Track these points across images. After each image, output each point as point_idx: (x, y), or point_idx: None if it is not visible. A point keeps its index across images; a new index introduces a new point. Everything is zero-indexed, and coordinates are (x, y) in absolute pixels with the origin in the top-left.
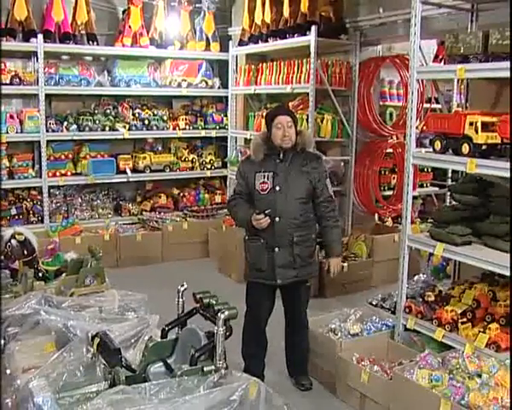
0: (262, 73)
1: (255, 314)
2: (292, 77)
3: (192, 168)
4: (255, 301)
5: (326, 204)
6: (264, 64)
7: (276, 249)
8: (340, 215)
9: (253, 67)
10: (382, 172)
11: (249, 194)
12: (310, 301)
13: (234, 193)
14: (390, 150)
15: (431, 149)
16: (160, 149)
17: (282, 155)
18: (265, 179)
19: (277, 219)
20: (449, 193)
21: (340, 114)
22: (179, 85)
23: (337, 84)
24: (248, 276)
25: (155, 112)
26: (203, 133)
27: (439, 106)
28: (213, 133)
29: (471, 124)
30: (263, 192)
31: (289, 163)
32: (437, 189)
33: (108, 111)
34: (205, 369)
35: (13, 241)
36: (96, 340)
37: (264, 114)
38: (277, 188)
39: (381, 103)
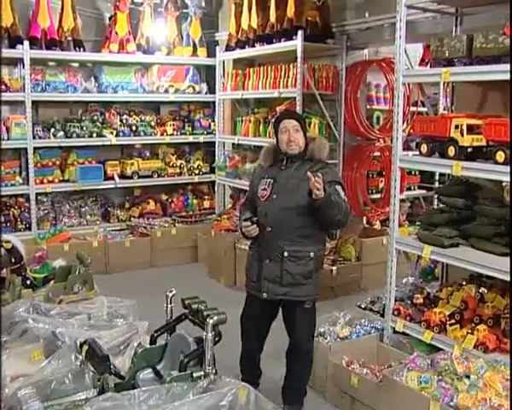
0: (249, 78)
1: (247, 321)
2: (279, 81)
3: (180, 174)
4: (246, 311)
5: None
6: (252, 69)
7: (267, 261)
8: None
9: (240, 72)
10: (370, 176)
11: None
12: None
13: (245, 198)
14: (377, 154)
15: (417, 152)
16: (147, 154)
17: (285, 162)
18: (266, 186)
19: (269, 228)
20: (436, 196)
21: (327, 118)
22: (166, 91)
23: (324, 89)
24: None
25: (143, 118)
26: (191, 139)
27: (425, 109)
28: (201, 139)
29: (457, 127)
30: (262, 199)
31: (293, 171)
32: (424, 191)
33: (96, 117)
34: (194, 375)
35: (0, 249)
36: (85, 347)
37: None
38: (274, 196)
39: (368, 107)
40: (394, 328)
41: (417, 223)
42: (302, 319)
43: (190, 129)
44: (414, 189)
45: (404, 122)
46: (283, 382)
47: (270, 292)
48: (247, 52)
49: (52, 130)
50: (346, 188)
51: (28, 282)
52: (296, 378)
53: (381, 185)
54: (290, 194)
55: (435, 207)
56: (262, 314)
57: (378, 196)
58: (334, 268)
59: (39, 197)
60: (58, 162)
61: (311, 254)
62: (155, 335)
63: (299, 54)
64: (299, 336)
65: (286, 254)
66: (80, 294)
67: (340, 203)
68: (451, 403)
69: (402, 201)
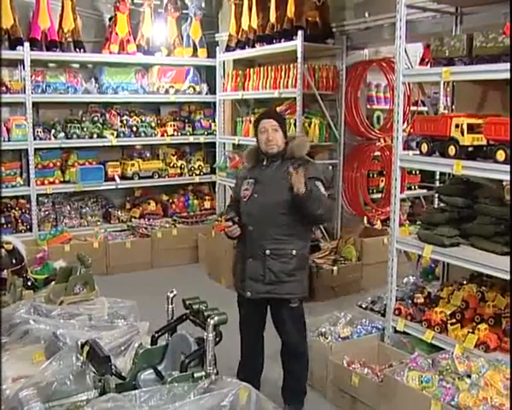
0: (249, 79)
1: (240, 322)
2: (279, 82)
3: (181, 174)
4: (239, 308)
5: None
6: (252, 69)
7: (250, 260)
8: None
9: (240, 72)
10: (371, 176)
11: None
12: None
13: (230, 200)
14: (378, 153)
15: (418, 152)
16: (148, 155)
17: (265, 162)
18: (248, 186)
19: (251, 228)
20: (436, 195)
21: (327, 118)
22: (167, 92)
23: (324, 89)
24: None
25: (143, 118)
26: (191, 139)
27: (426, 108)
28: (201, 139)
29: (457, 126)
30: (244, 199)
31: (274, 170)
32: (425, 191)
33: (96, 118)
34: (195, 375)
35: (1, 250)
36: (86, 348)
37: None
38: (255, 195)
39: (369, 107)
40: (395, 328)
41: (418, 222)
42: (289, 319)
43: (191, 129)
44: (414, 188)
45: (404, 122)
46: (282, 382)
47: (253, 291)
48: (248, 52)
49: (53, 131)
50: (347, 188)
51: (29, 283)
52: (294, 379)
53: (382, 185)
54: (271, 193)
55: (436, 206)
56: (250, 314)
57: (379, 195)
58: (335, 268)
59: (40, 198)
60: (59, 163)
61: (293, 252)
62: (156, 335)
63: (299, 54)
64: (290, 338)
65: (268, 252)
66: (81, 295)
67: (321, 198)
68: (452, 403)
69: (402, 200)
